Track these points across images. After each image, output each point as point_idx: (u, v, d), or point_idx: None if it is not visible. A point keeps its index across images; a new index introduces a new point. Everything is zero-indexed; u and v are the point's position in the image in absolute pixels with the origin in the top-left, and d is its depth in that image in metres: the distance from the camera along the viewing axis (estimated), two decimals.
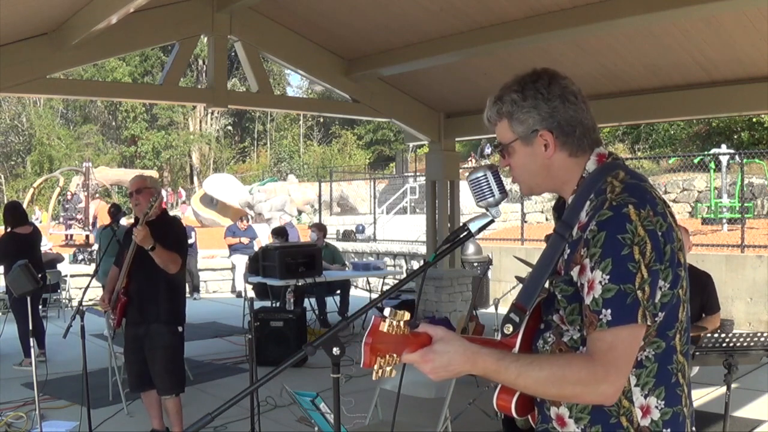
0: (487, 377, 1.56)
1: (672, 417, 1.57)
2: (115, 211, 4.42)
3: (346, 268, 10.64)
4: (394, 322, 1.50)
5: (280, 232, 10.76)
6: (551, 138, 1.64)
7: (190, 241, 12.31)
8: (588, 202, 1.59)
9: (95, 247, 15.77)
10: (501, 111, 1.67)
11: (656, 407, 1.56)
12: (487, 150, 24.35)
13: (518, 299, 1.65)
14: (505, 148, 1.70)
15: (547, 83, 1.64)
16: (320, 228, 10.80)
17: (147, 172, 23.08)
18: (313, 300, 9.62)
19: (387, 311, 1.49)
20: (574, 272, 1.56)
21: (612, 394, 1.50)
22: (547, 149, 1.65)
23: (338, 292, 10.16)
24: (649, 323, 1.49)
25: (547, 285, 1.70)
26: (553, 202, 1.98)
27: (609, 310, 1.47)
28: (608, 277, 1.47)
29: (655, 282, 1.49)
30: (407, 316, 1.52)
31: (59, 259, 10.66)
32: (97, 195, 20.55)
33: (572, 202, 1.65)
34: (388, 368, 1.51)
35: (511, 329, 1.62)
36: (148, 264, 4.35)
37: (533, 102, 1.63)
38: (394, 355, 1.51)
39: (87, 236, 18.17)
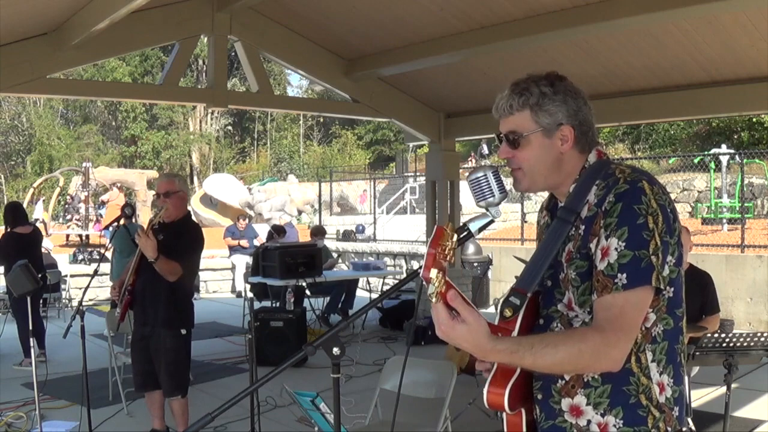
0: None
1: (679, 395, 1.64)
2: (129, 211, 4.43)
3: (343, 265, 10.73)
4: (449, 233, 1.54)
5: (278, 230, 10.90)
6: (572, 134, 1.71)
7: None
8: (595, 186, 1.66)
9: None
10: (527, 101, 1.70)
11: (668, 385, 1.62)
12: (487, 150, 24.34)
13: (518, 283, 1.67)
14: (520, 137, 1.72)
15: (571, 84, 1.74)
16: (322, 233, 11.22)
17: (147, 173, 23.08)
18: (313, 300, 9.62)
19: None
20: (593, 244, 1.61)
21: (620, 359, 1.55)
22: (564, 144, 1.71)
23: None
24: (662, 287, 1.56)
25: (542, 281, 1.72)
26: None
27: (624, 274, 1.54)
28: (624, 243, 1.55)
29: (665, 252, 1.57)
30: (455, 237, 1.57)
31: (54, 264, 10.66)
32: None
33: (575, 189, 1.71)
34: (436, 287, 1.46)
35: (510, 313, 1.62)
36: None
37: (563, 97, 1.70)
38: (440, 275, 1.47)
39: (86, 236, 18.12)
